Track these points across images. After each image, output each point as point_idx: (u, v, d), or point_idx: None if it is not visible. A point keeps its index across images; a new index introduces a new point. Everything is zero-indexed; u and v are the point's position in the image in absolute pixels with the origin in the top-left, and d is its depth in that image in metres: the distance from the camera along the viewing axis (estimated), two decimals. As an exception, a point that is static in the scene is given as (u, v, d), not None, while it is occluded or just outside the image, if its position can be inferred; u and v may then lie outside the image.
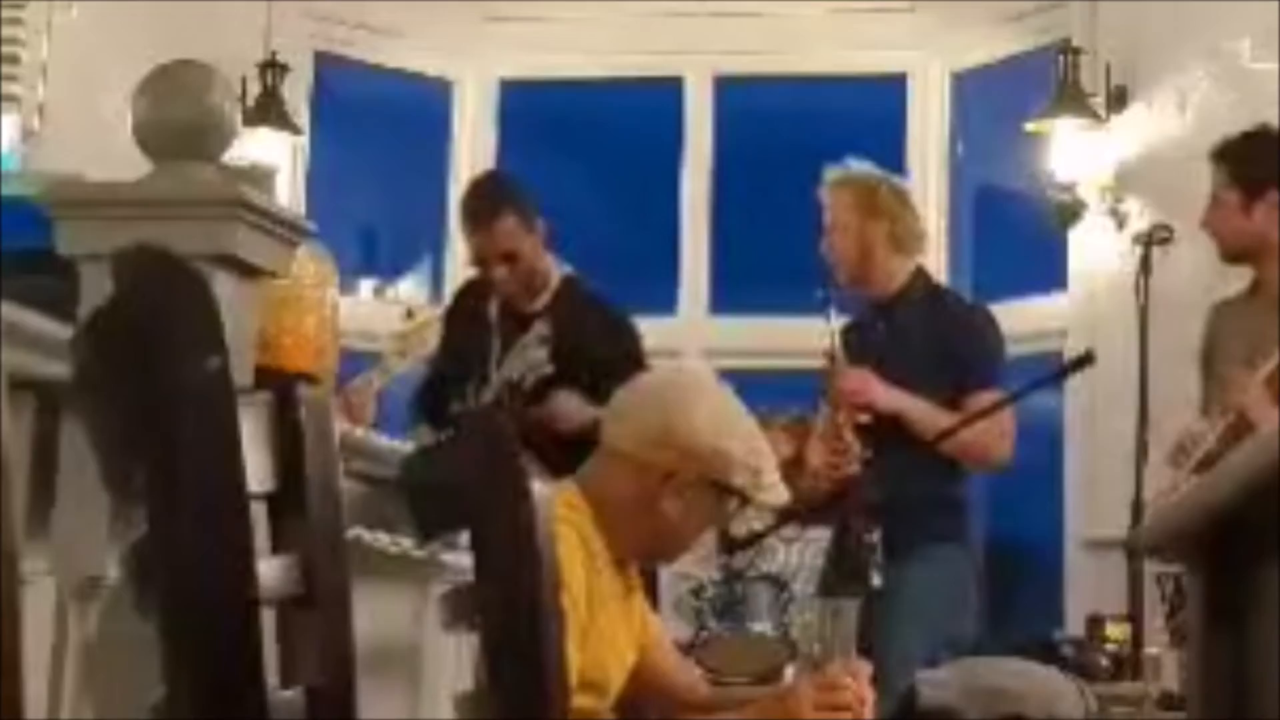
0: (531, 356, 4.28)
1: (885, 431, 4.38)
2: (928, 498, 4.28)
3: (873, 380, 4.36)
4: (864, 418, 4.34)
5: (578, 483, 2.78)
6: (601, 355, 4.25)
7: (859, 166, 4.74)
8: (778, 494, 2.84)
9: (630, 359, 4.24)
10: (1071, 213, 5.85)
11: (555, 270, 4.52)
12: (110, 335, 1.23)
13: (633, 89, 6.86)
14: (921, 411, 4.30)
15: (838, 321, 4.53)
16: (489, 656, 1.65)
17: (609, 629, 2.73)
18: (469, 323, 4.59)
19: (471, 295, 4.73)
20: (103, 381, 1.23)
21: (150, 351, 1.21)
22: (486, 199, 4.60)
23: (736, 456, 2.75)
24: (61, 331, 1.90)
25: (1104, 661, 4.27)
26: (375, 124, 6.86)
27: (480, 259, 4.50)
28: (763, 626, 4.50)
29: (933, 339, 4.43)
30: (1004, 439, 4.35)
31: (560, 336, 4.30)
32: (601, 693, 2.73)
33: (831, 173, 4.61)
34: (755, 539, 4.27)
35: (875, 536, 4.19)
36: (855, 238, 4.50)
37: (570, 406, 4.22)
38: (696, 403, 2.76)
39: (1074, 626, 5.00)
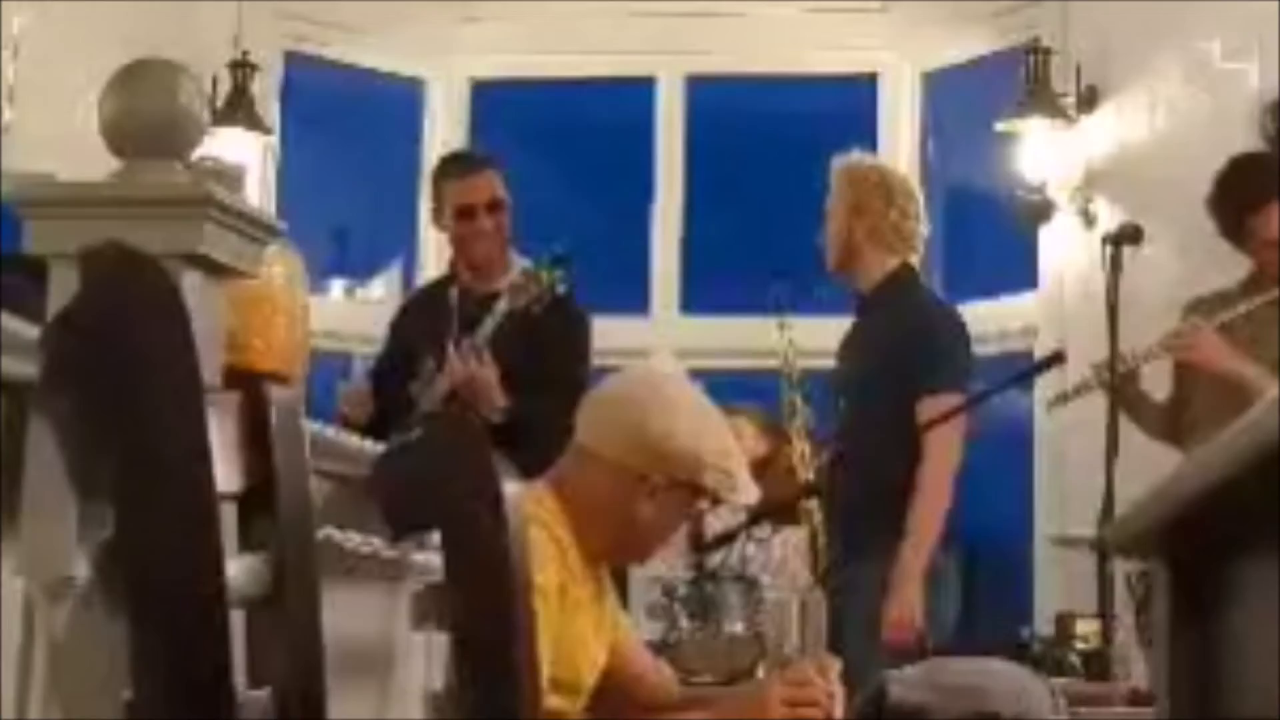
0: (531, 291, 4.31)
1: (849, 429, 4.40)
2: (894, 496, 4.29)
3: None
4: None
5: (549, 483, 2.79)
6: (546, 347, 4.31)
7: (862, 157, 4.76)
8: (749, 494, 2.85)
9: (571, 362, 4.31)
10: (1042, 212, 5.87)
11: (517, 259, 4.57)
12: (78, 334, 1.23)
13: (604, 89, 6.86)
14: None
15: (793, 319, 4.58)
16: (459, 656, 1.65)
17: (580, 629, 2.74)
18: (424, 315, 4.68)
19: (423, 296, 4.89)
20: (71, 381, 1.23)
21: (118, 350, 1.21)
22: (474, 153, 4.91)
23: (709, 459, 2.75)
24: (29, 331, 1.89)
25: (1074, 660, 4.28)
26: (346, 124, 6.85)
27: (467, 207, 4.58)
28: (734, 626, 4.50)
29: (887, 339, 4.44)
30: (949, 451, 4.34)
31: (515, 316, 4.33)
32: (573, 693, 2.73)
33: (836, 160, 4.63)
34: (727, 539, 4.27)
35: (830, 534, 4.21)
36: (841, 226, 4.52)
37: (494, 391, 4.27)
38: (669, 405, 2.77)
39: (1044, 625, 5.01)
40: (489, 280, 4.55)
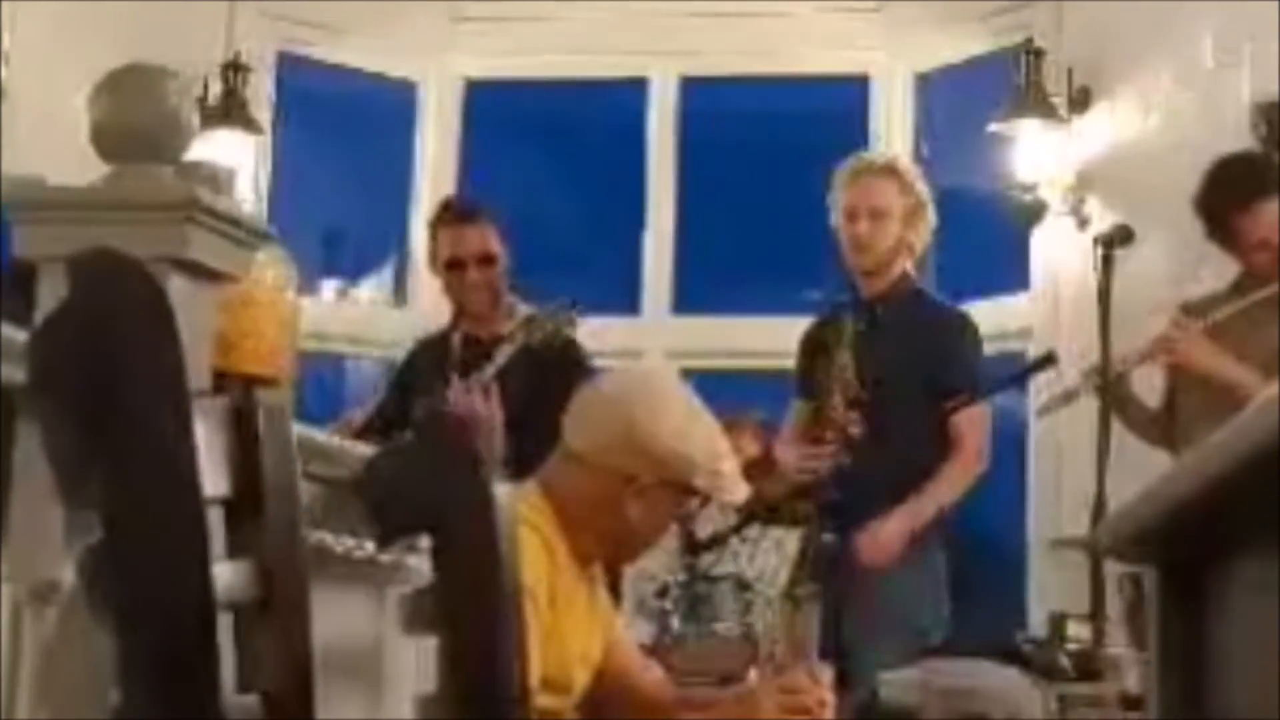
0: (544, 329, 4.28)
1: (865, 432, 4.39)
2: (897, 501, 4.29)
3: None
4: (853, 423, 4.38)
5: (539, 484, 2.79)
6: (553, 394, 4.28)
7: (907, 159, 4.74)
8: (739, 491, 2.85)
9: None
10: (1034, 213, 5.87)
11: (520, 305, 4.54)
12: (65, 339, 1.23)
13: (598, 89, 6.86)
14: None
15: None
16: (449, 659, 1.65)
17: (572, 630, 2.73)
18: (425, 360, 4.66)
19: (425, 344, 4.83)
20: (57, 385, 1.22)
21: (104, 355, 1.20)
22: (468, 202, 4.79)
23: (698, 459, 2.75)
24: (16, 335, 1.89)
25: (1066, 661, 4.28)
26: (339, 125, 6.84)
27: (456, 259, 4.54)
28: (726, 627, 4.49)
29: (911, 339, 4.44)
30: (981, 449, 4.39)
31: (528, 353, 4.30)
32: (565, 693, 2.73)
33: (876, 157, 4.61)
34: (719, 539, 4.27)
35: (830, 538, 4.20)
36: (898, 231, 4.49)
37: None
38: (657, 406, 2.77)
39: (1036, 626, 5.01)
40: (489, 326, 4.52)
